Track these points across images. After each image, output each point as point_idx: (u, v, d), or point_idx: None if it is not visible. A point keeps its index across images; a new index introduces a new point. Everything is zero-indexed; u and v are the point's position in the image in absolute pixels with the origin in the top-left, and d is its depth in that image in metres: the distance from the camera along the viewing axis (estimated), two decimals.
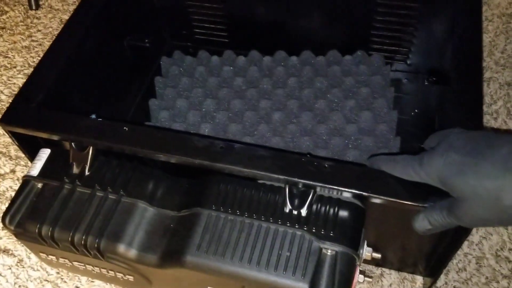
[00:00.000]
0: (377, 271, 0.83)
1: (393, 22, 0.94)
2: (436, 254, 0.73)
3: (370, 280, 0.70)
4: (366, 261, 0.80)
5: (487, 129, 0.97)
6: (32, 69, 1.11)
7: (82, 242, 0.63)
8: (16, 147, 1.01)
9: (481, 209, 0.51)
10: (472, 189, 0.50)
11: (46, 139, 0.72)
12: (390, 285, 0.81)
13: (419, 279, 0.82)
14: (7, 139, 1.03)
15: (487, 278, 0.81)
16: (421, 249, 0.74)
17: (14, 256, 0.88)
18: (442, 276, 0.81)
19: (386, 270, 0.83)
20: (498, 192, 0.49)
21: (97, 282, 0.84)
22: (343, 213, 0.62)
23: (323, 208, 0.62)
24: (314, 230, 0.61)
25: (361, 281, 0.69)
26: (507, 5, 1.19)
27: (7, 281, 0.85)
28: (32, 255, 0.87)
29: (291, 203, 0.63)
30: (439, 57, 0.92)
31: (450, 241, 0.68)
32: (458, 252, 0.83)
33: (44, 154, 0.71)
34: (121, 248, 0.63)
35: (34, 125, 0.70)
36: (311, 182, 0.62)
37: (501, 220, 0.51)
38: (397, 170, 0.60)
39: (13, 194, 0.93)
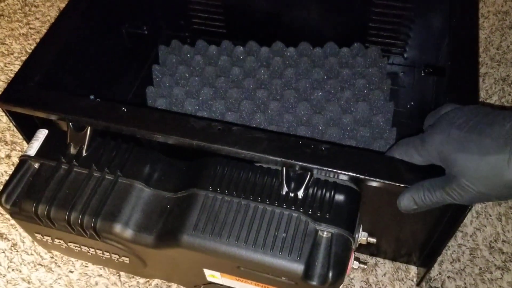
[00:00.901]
0: (372, 260, 0.83)
1: (390, 15, 0.95)
2: (429, 243, 0.73)
3: (365, 267, 0.70)
4: (361, 249, 0.81)
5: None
6: None
7: (79, 221, 0.63)
8: (11, 132, 1.01)
9: (482, 184, 0.51)
10: (475, 164, 0.51)
11: (44, 119, 0.72)
12: (384, 274, 0.82)
13: (413, 269, 0.82)
14: (3, 124, 1.02)
15: (480, 269, 0.82)
16: (416, 236, 0.74)
17: (8, 240, 0.87)
18: (436, 266, 0.82)
19: (381, 260, 0.83)
20: (501, 167, 0.49)
21: (91, 267, 0.84)
22: (339, 196, 0.62)
23: (319, 191, 0.63)
24: (310, 212, 0.61)
25: (356, 267, 0.70)
26: (503, 3, 1.20)
27: (0, 265, 0.84)
28: (26, 239, 0.87)
29: (288, 186, 0.63)
30: (435, 51, 0.92)
31: (443, 229, 0.68)
32: (452, 243, 0.84)
33: (42, 134, 0.71)
34: (117, 228, 0.63)
35: (33, 104, 0.70)
36: (308, 165, 0.62)
37: (500, 195, 0.52)
38: (399, 151, 0.61)
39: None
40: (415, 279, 0.81)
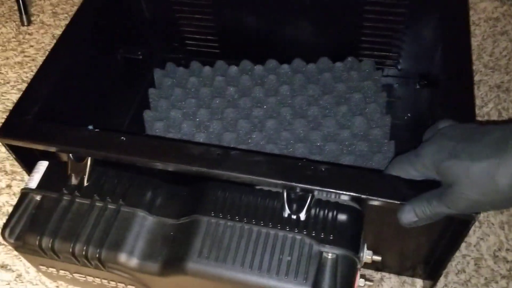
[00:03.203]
0: (377, 275, 0.83)
1: (382, 28, 0.95)
2: (434, 255, 0.74)
3: (371, 284, 0.70)
4: (366, 265, 0.81)
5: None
6: (25, 85, 1.12)
7: (83, 252, 0.63)
8: (11, 162, 1.01)
9: (475, 191, 0.52)
10: (466, 170, 0.51)
11: (43, 151, 0.72)
12: None
13: (419, 282, 0.82)
14: (2, 154, 1.02)
15: (486, 278, 0.82)
16: (420, 251, 0.74)
17: (13, 271, 0.87)
18: (442, 278, 0.82)
19: (386, 274, 0.83)
20: (492, 172, 0.50)
21: None
22: (342, 216, 0.63)
23: (321, 212, 0.63)
24: (313, 234, 0.61)
25: (362, 285, 0.69)
26: (493, 9, 1.20)
27: None
28: (31, 270, 0.87)
29: (290, 208, 0.63)
30: (429, 61, 0.92)
31: (448, 242, 0.69)
32: (457, 254, 0.84)
33: (42, 166, 0.71)
34: (122, 257, 0.63)
35: (32, 137, 0.70)
36: (309, 186, 0.62)
37: (494, 202, 0.52)
38: (395, 168, 0.61)
39: (9, 209, 0.94)
40: None
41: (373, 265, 0.82)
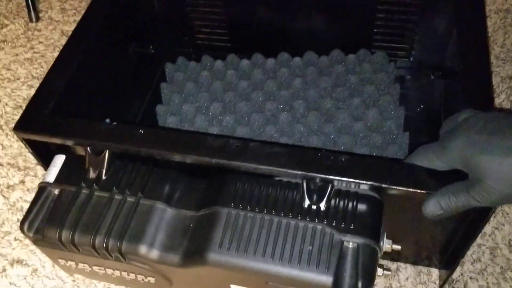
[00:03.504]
0: (393, 265, 0.83)
1: (394, 19, 0.95)
2: (451, 245, 0.74)
3: (389, 273, 0.70)
4: (382, 255, 0.81)
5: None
6: (36, 81, 1.13)
7: (104, 245, 0.64)
8: (24, 157, 1.01)
9: (506, 185, 0.52)
10: (498, 165, 0.52)
11: (60, 145, 0.72)
12: (407, 278, 0.82)
13: (435, 272, 0.82)
14: (15, 150, 1.03)
15: (501, 267, 0.82)
16: (438, 240, 0.74)
17: (28, 266, 0.87)
18: (457, 268, 0.82)
19: (402, 264, 0.83)
20: None
21: (114, 287, 0.84)
22: (362, 206, 0.63)
23: (341, 202, 0.63)
24: (334, 224, 0.61)
25: (380, 274, 0.70)
26: (503, 1, 1.20)
27: None
28: (47, 264, 0.87)
29: (310, 198, 0.63)
30: (442, 52, 0.92)
31: (466, 232, 0.69)
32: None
33: (59, 160, 0.72)
34: (143, 249, 0.63)
35: (51, 131, 0.70)
36: (329, 176, 0.62)
37: None
38: (419, 158, 0.61)
39: (24, 204, 0.94)
40: (437, 282, 0.81)
41: (389, 255, 0.82)
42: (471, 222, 0.66)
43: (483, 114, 0.57)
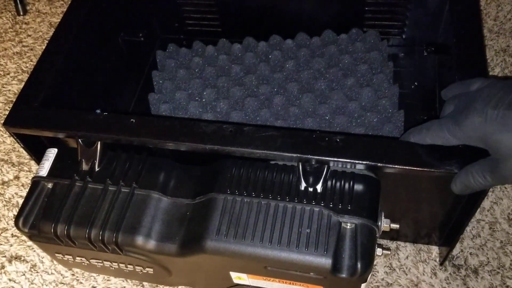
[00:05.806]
0: (393, 244, 0.83)
1: None
2: (450, 222, 0.73)
3: (389, 253, 0.70)
4: (381, 235, 0.80)
5: None
6: (25, 75, 1.12)
7: (99, 237, 0.63)
8: (17, 153, 1.00)
9: None
10: None
11: (52, 138, 0.71)
12: (407, 257, 0.81)
13: (435, 249, 0.82)
14: (8, 146, 1.02)
15: (501, 242, 0.81)
16: (436, 217, 0.74)
17: (27, 262, 0.87)
18: (457, 244, 0.82)
19: (401, 243, 0.83)
20: None
21: (113, 280, 0.83)
22: (359, 186, 0.62)
23: (338, 183, 0.62)
24: (331, 205, 0.61)
25: (380, 254, 0.69)
26: None
27: None
28: (45, 260, 0.87)
29: (306, 181, 0.62)
30: (434, 28, 0.91)
31: (464, 208, 0.68)
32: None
33: (51, 153, 0.71)
34: (139, 240, 0.63)
35: (40, 124, 0.69)
36: (324, 158, 0.62)
37: None
38: (430, 136, 0.60)
39: (19, 200, 0.94)
40: (437, 259, 0.81)
41: (388, 235, 0.82)
42: (469, 198, 0.66)
43: (498, 85, 0.55)
